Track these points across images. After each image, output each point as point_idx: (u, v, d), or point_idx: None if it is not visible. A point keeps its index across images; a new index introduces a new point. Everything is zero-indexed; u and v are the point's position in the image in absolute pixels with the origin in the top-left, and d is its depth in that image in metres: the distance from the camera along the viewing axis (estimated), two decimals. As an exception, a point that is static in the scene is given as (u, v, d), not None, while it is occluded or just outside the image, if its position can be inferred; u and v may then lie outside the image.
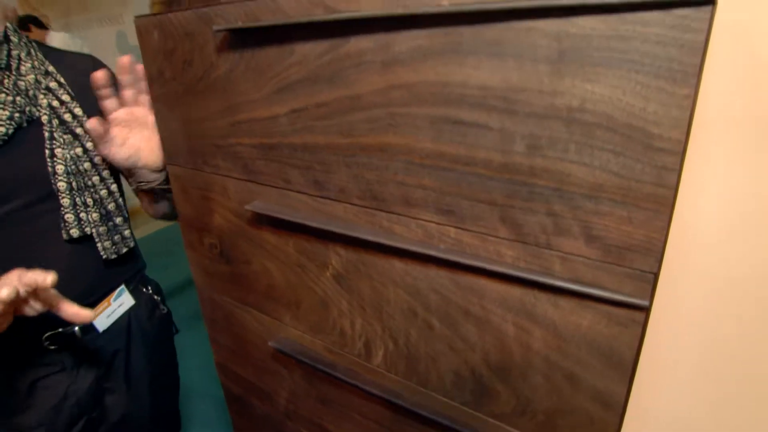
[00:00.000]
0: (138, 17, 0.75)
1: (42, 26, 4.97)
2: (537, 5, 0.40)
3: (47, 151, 0.82)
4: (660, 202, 0.41)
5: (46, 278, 0.69)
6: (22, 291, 0.68)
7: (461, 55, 0.46)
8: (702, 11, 0.35)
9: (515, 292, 0.52)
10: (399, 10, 0.47)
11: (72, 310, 0.76)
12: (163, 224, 4.04)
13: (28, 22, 4.92)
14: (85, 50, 5.08)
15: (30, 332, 0.86)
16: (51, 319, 0.79)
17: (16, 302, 0.70)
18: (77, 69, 0.90)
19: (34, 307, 0.74)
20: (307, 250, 0.70)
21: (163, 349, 1.09)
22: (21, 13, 6.30)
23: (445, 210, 0.54)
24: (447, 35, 0.46)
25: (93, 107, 0.84)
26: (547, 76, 0.42)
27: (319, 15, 0.53)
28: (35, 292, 0.72)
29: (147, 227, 4.08)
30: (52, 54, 0.89)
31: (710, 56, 0.41)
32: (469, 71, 0.46)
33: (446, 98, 0.49)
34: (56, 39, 5.03)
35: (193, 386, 2.22)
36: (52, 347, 0.88)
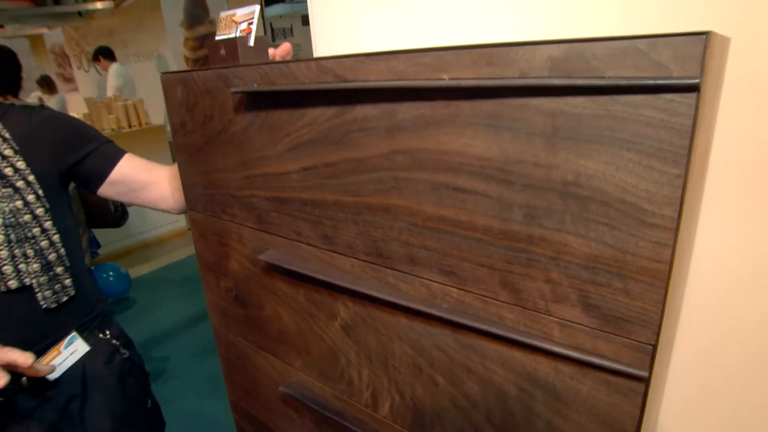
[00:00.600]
0: (164, 73, 0.80)
1: (111, 58, 5.23)
2: (530, 84, 0.42)
3: None
4: (655, 276, 0.41)
5: (27, 359, 0.74)
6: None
7: (460, 126, 0.48)
8: (688, 97, 0.36)
9: (516, 354, 0.52)
10: (402, 83, 0.49)
11: (18, 357, 0.77)
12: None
13: (99, 53, 5.20)
14: (133, 79, 5.28)
15: None
16: None
17: None
18: (25, 122, 0.91)
19: None
20: (317, 300, 0.72)
21: (126, 395, 1.04)
22: (69, 50, 6.64)
23: (447, 271, 0.55)
24: (446, 107, 0.48)
25: (37, 158, 0.88)
26: (542, 150, 0.44)
27: (329, 83, 0.56)
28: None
29: (180, 252, 4.16)
30: (3, 108, 0.91)
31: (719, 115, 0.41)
32: (468, 141, 0.48)
33: (446, 165, 0.50)
34: (113, 68, 5.27)
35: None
36: (1, 399, 0.87)
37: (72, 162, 0.94)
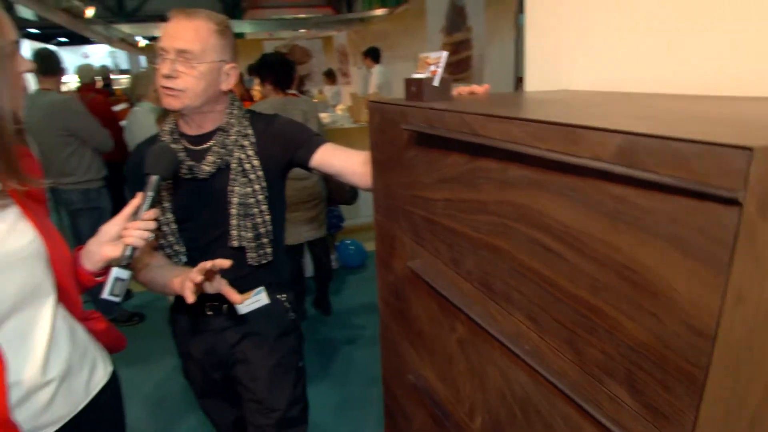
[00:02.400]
0: (371, 101, 0.99)
1: (376, 59, 6.14)
2: (598, 167, 0.45)
3: (229, 187, 1.20)
4: (691, 380, 0.41)
5: (215, 264, 1.05)
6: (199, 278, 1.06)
7: (550, 191, 0.53)
8: (730, 209, 0.36)
9: (572, 412, 0.55)
10: (510, 145, 0.57)
11: (228, 291, 1.11)
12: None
13: (368, 54, 6.18)
14: (391, 79, 6.00)
15: (199, 301, 1.17)
16: (212, 296, 1.16)
17: (201, 281, 1.07)
18: (265, 127, 1.27)
19: (213, 286, 1.11)
20: (445, 311, 0.82)
21: (281, 348, 1.37)
22: (348, 49, 7.80)
23: (532, 317, 0.60)
24: (543, 173, 0.54)
25: (268, 156, 1.23)
26: (607, 229, 0.46)
27: (464, 134, 0.66)
28: (210, 275, 1.09)
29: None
30: (254, 118, 1.28)
31: None
32: (555, 206, 0.52)
33: (539, 224, 0.55)
34: (376, 69, 6.13)
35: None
36: (209, 313, 1.30)
37: (290, 155, 1.28)
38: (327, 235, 3.07)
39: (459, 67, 5.02)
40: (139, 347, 2.89)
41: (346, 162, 1.26)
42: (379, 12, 6.81)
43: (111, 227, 1.03)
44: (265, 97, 2.76)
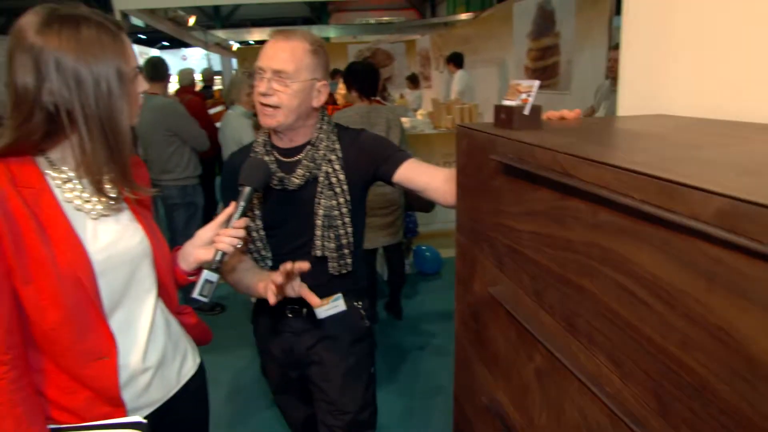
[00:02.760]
0: (460, 126, 1.02)
1: (459, 65, 6.14)
2: (696, 227, 0.45)
3: (316, 199, 1.28)
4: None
5: (294, 266, 1.11)
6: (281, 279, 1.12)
7: (641, 241, 0.53)
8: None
9: (655, 463, 0.54)
10: (602, 192, 0.57)
11: (308, 294, 1.17)
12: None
13: (451, 59, 6.19)
14: (473, 84, 5.97)
15: (281, 304, 1.25)
16: (293, 300, 1.23)
17: (284, 284, 1.14)
18: (352, 142, 1.34)
19: (294, 289, 1.17)
20: (523, 340, 0.83)
21: (355, 353, 1.43)
22: (431, 53, 7.81)
23: (615, 361, 0.60)
24: (634, 222, 0.54)
25: (353, 170, 1.30)
26: (702, 289, 0.46)
27: (555, 173, 0.67)
28: (291, 278, 1.15)
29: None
30: (341, 132, 1.36)
31: None
32: (646, 256, 0.53)
33: (627, 270, 0.56)
34: (458, 74, 6.11)
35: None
36: (289, 315, 1.39)
37: (374, 169, 1.33)
38: (402, 240, 3.12)
39: (545, 74, 4.90)
40: (220, 336, 3.07)
41: (429, 178, 1.30)
42: (464, 16, 6.78)
43: (205, 232, 1.13)
44: (350, 104, 2.86)
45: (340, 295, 1.42)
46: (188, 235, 1.17)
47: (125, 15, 3.64)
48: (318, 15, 14.45)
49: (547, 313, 0.75)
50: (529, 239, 0.78)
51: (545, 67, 4.92)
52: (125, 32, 0.95)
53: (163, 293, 1.13)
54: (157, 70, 3.16)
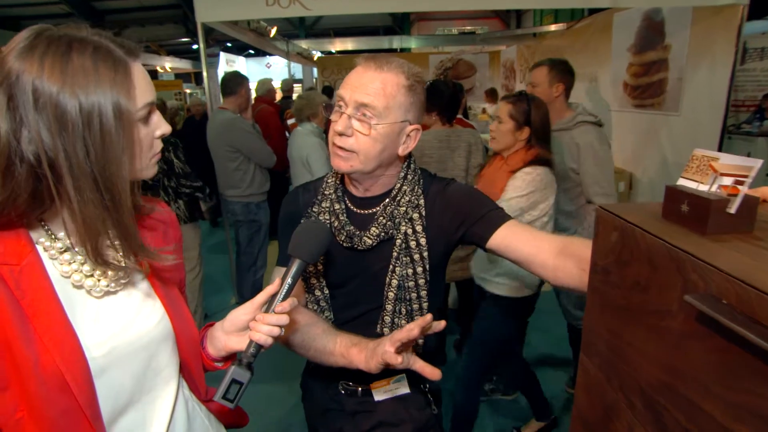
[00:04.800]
0: (602, 207, 0.68)
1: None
2: None
3: (390, 265, 1.02)
4: None
5: (410, 335, 0.83)
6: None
7: None
8: None
9: None
10: None
11: (423, 367, 0.89)
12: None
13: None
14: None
15: (333, 377, 1.12)
16: (348, 375, 1.03)
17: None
18: (437, 194, 1.06)
19: (403, 360, 0.86)
20: None
21: None
22: (517, 65, 7.39)
23: None
24: None
25: (438, 233, 1.03)
26: None
27: None
28: (406, 347, 0.88)
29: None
30: (426, 181, 1.07)
31: None
32: None
33: None
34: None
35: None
36: (342, 392, 1.14)
37: (464, 230, 1.04)
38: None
39: (648, 91, 4.32)
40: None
41: (535, 249, 0.97)
42: (554, 27, 6.25)
43: (239, 315, 0.86)
44: (428, 127, 2.55)
45: (403, 375, 1.13)
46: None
47: (209, 27, 3.57)
48: (400, 25, 14.32)
49: None
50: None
51: (649, 84, 4.33)
52: (138, 60, 0.70)
53: (188, 378, 0.88)
54: (226, 86, 3.11)
